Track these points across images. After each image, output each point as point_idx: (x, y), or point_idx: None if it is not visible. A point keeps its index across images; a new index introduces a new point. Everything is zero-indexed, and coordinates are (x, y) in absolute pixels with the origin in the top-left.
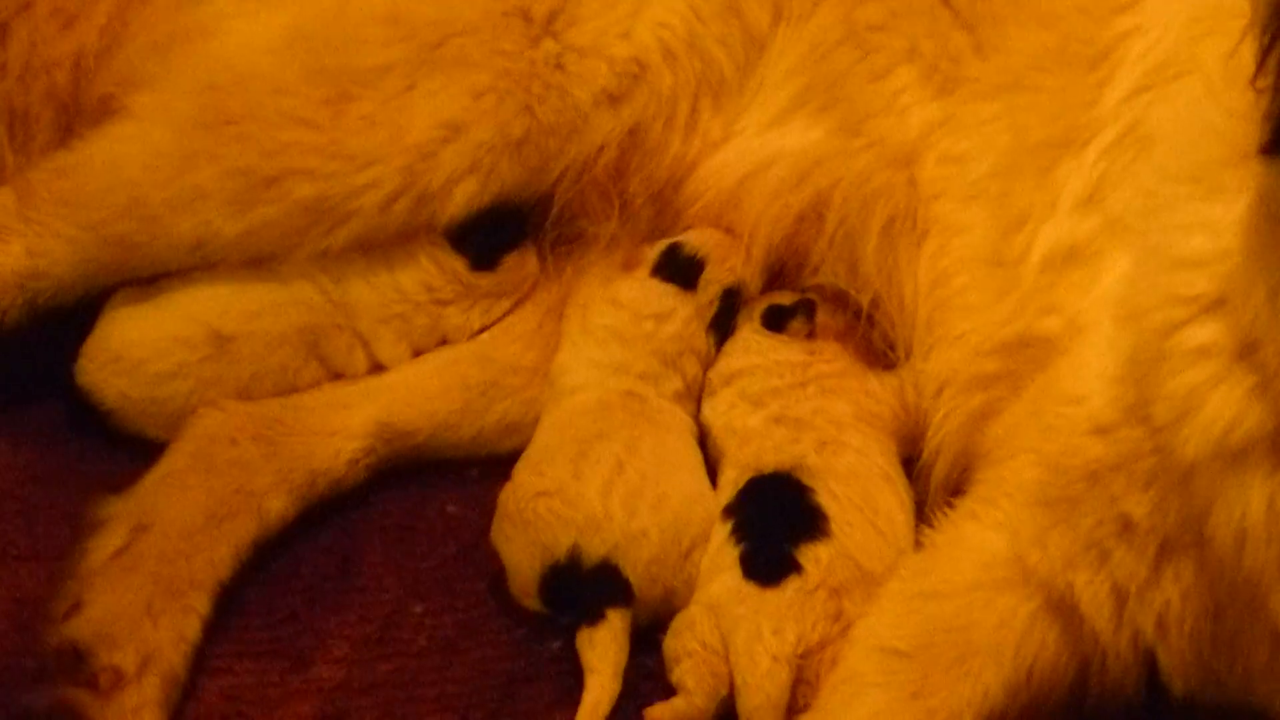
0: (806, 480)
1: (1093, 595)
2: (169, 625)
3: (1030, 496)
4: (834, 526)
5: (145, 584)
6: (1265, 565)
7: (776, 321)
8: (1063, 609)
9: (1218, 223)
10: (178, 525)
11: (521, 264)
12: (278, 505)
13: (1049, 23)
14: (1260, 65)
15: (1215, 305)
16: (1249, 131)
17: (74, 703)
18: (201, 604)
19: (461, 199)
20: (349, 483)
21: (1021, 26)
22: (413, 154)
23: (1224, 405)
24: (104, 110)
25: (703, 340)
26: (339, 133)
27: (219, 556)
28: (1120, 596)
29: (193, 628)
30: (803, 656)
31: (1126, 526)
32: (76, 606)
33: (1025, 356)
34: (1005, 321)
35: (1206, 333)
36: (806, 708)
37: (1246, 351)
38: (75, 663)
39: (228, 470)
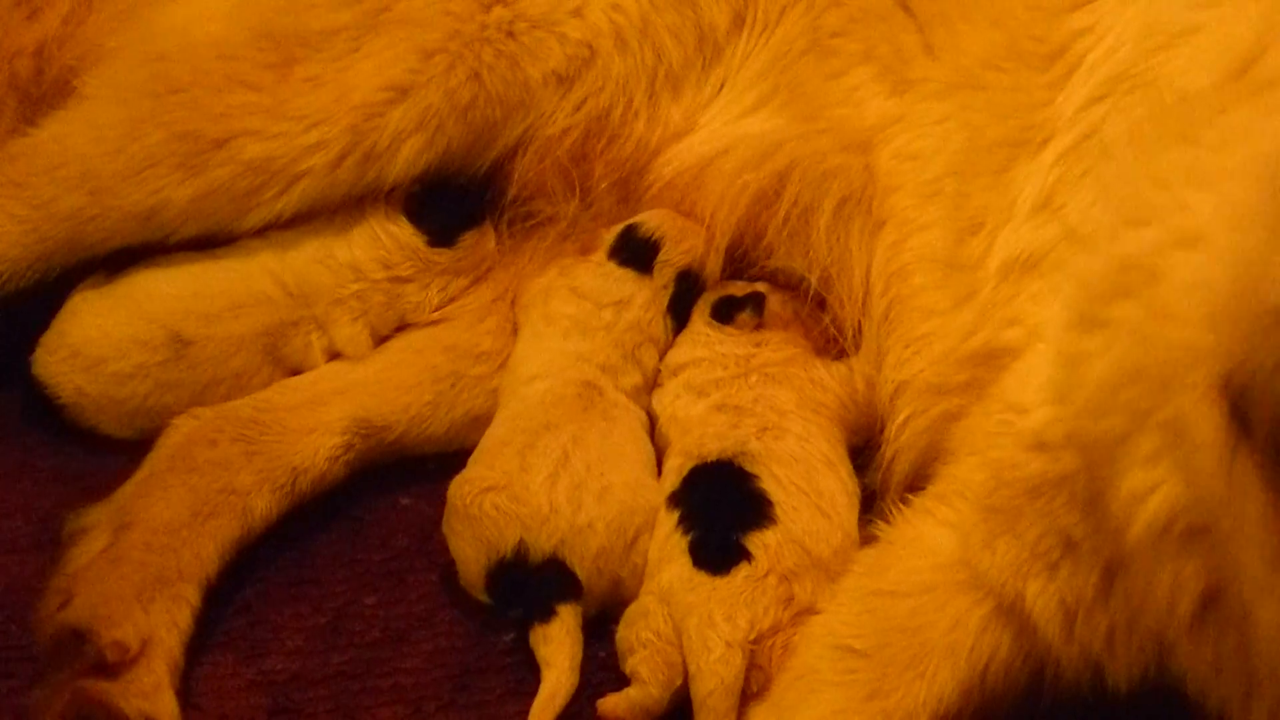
0: (749, 467)
1: (1043, 607)
2: (161, 610)
3: (978, 501)
4: (779, 512)
5: (133, 573)
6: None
7: (726, 313)
8: (1014, 615)
9: None
10: (162, 522)
11: (480, 242)
12: (262, 504)
13: (999, 20)
14: None
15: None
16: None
17: (93, 690)
18: (191, 595)
19: (408, 155)
20: (329, 480)
21: (971, 25)
22: (359, 113)
23: (1165, 501)
24: (62, 93)
25: (660, 327)
26: (284, 94)
27: (205, 552)
28: (1069, 613)
29: (185, 616)
30: (755, 642)
31: (1069, 544)
32: (67, 600)
33: (990, 367)
34: (969, 333)
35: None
36: (760, 692)
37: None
38: (76, 645)
39: (210, 470)
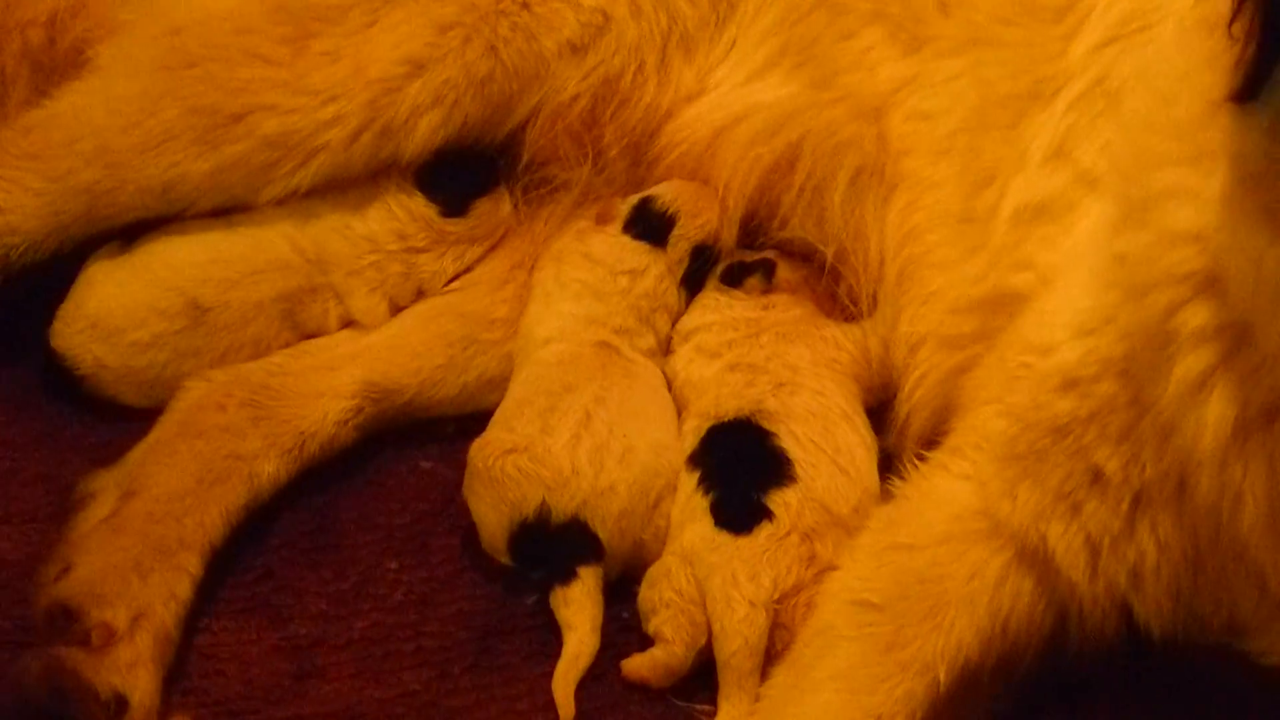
0: (767, 425)
1: (1067, 547)
2: (159, 583)
3: (997, 449)
4: (799, 470)
5: (134, 543)
6: (1262, 538)
7: (735, 278)
8: (1036, 561)
9: (1203, 193)
10: (166, 489)
11: (494, 210)
12: (269, 468)
13: None
14: (1237, 9)
15: (1209, 283)
16: (1223, 82)
17: (68, 661)
18: (192, 564)
19: (426, 131)
20: (339, 444)
21: None
22: (376, 88)
23: (1230, 393)
24: (75, 64)
25: (675, 297)
26: (301, 68)
27: (209, 519)
28: (1094, 549)
29: (184, 586)
30: (778, 601)
31: (1097, 478)
32: (65, 569)
33: (999, 314)
34: (977, 279)
35: (1205, 313)
36: (783, 651)
37: (1242, 332)
38: (66, 622)
39: (217, 436)
